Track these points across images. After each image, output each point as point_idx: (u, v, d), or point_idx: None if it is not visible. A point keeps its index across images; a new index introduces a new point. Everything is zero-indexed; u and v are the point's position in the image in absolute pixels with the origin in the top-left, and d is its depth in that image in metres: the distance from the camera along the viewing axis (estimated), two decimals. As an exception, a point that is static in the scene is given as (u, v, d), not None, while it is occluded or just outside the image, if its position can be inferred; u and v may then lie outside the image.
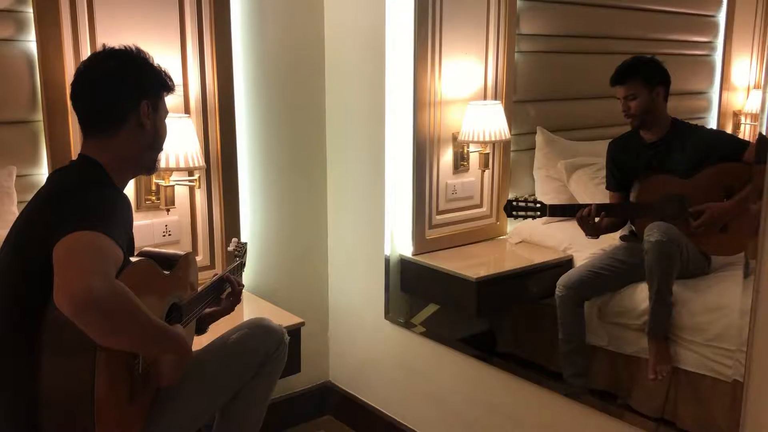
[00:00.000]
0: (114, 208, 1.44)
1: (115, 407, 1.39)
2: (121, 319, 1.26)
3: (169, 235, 2.31)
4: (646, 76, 1.97)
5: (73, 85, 1.56)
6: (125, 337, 1.31)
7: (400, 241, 2.53)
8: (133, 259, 1.48)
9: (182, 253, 1.69)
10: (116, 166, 1.55)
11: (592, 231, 2.07)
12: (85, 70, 1.56)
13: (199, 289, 1.79)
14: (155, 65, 1.60)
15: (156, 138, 1.60)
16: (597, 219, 2.04)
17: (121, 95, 1.54)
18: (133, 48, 1.59)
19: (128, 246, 1.49)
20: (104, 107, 1.54)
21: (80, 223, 1.30)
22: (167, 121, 1.66)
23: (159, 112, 1.60)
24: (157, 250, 1.70)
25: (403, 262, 2.53)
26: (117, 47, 1.59)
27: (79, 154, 1.57)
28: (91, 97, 1.55)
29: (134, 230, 2.19)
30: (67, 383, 1.33)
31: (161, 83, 1.60)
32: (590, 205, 2.05)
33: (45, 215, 1.41)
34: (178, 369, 1.47)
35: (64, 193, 1.44)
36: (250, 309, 2.37)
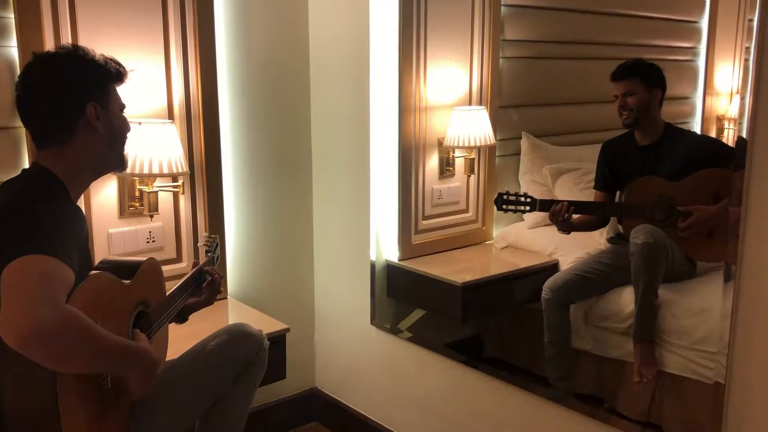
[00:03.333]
0: (62, 223, 1.37)
1: (85, 426, 1.35)
2: (72, 345, 1.21)
3: (153, 241, 2.29)
4: (647, 76, 2.00)
5: (16, 100, 1.50)
6: (80, 363, 1.26)
7: (386, 247, 2.52)
8: (91, 272, 1.43)
9: (143, 259, 1.63)
10: (72, 173, 1.50)
11: (562, 226, 2.11)
12: (21, 83, 1.50)
13: (174, 287, 1.75)
14: (96, 59, 1.52)
15: (113, 136, 1.54)
16: (566, 215, 2.08)
17: (62, 105, 1.47)
18: (67, 48, 1.53)
19: (84, 261, 1.43)
20: (48, 120, 1.48)
21: (24, 245, 1.24)
22: (125, 113, 1.60)
23: (110, 107, 1.53)
24: (118, 258, 1.64)
25: (390, 267, 2.53)
26: (50, 51, 1.54)
27: (33, 163, 1.52)
28: (33, 111, 1.50)
29: (118, 237, 2.21)
30: (31, 405, 1.28)
31: (105, 77, 1.53)
32: (565, 201, 2.09)
33: None
34: (145, 382, 1.42)
35: (11, 210, 1.38)
36: (235, 315, 2.35)
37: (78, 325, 1.22)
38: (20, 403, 1.28)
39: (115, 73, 1.55)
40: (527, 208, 2.17)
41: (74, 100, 1.48)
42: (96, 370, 1.36)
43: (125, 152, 1.62)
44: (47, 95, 1.48)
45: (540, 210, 2.16)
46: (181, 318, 1.83)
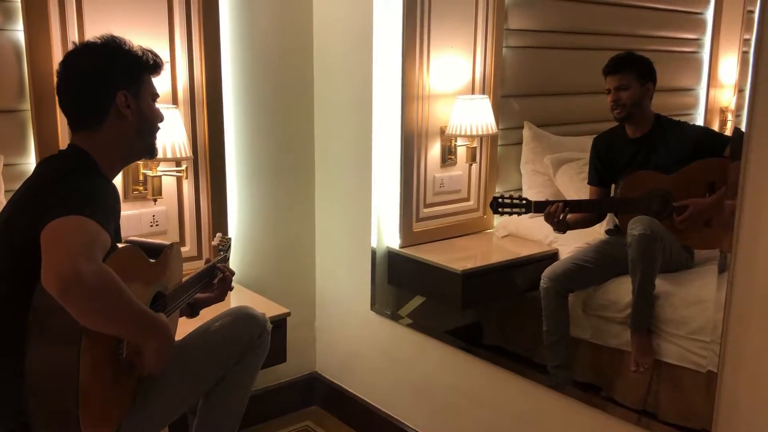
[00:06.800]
0: (101, 195, 1.45)
1: (98, 393, 1.40)
2: (105, 300, 1.28)
3: (157, 225, 2.31)
4: (640, 70, 2.00)
5: (56, 86, 1.59)
6: (109, 319, 1.32)
7: (387, 234, 2.54)
8: (119, 245, 1.49)
9: (168, 243, 1.69)
10: (105, 156, 1.57)
11: (558, 227, 2.12)
12: (60, 70, 1.58)
13: (188, 277, 1.80)
14: (132, 50, 1.60)
15: (142, 124, 1.61)
16: (561, 216, 2.09)
17: (95, 92, 1.56)
18: (106, 38, 1.59)
19: (115, 235, 1.50)
20: (81, 105, 1.57)
21: (68, 208, 1.32)
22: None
23: (141, 97, 1.61)
24: (142, 239, 1.71)
25: (391, 254, 2.54)
26: (89, 41, 1.61)
27: (69, 144, 1.60)
28: (68, 96, 1.58)
29: (122, 220, 2.21)
30: (51, 369, 1.34)
31: (140, 67, 1.61)
32: (558, 201, 2.11)
33: (33, 202, 1.43)
34: (160, 358, 1.47)
35: (52, 181, 1.46)
36: (237, 299, 2.37)
37: (114, 283, 1.29)
38: (43, 364, 1.34)
39: (150, 64, 1.62)
40: (522, 210, 2.18)
41: (106, 87, 1.56)
42: (121, 331, 1.41)
43: (155, 141, 1.68)
44: (81, 82, 1.56)
45: (535, 212, 2.17)
46: (193, 312, 1.88)
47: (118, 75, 1.57)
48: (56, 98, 1.63)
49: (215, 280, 1.91)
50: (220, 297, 1.91)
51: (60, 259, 1.23)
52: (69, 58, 1.60)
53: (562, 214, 2.09)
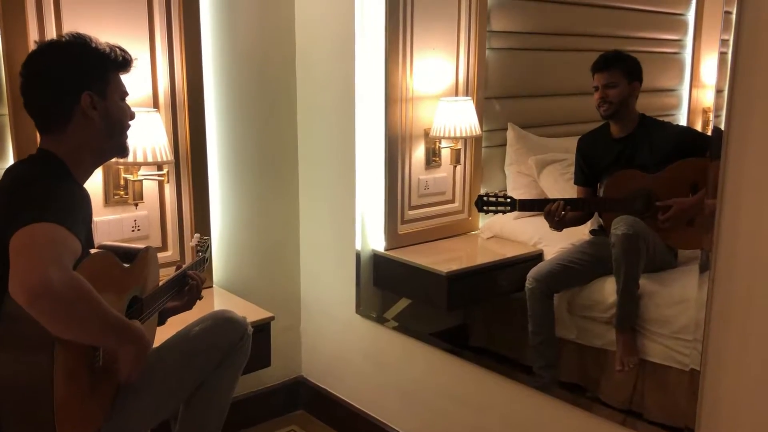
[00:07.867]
0: (72, 201, 1.42)
1: (74, 401, 1.38)
2: (76, 309, 1.25)
3: (138, 230, 2.29)
4: (628, 69, 2.01)
5: (20, 87, 1.54)
6: (81, 328, 1.30)
7: (372, 237, 2.53)
8: (92, 251, 1.47)
9: (142, 247, 1.66)
10: (74, 159, 1.53)
11: (557, 225, 2.12)
12: (23, 71, 1.53)
13: (162, 282, 1.77)
14: (98, 47, 1.54)
15: (110, 125, 1.56)
16: (563, 214, 2.09)
17: (57, 94, 1.51)
18: (70, 36, 1.55)
19: (87, 240, 1.47)
20: (45, 107, 1.53)
21: (37, 214, 1.29)
22: (129, 100, 1.64)
23: (108, 97, 1.55)
24: (117, 244, 1.68)
25: (376, 257, 2.54)
26: (53, 39, 1.56)
27: (38, 148, 1.56)
28: (32, 98, 1.53)
29: (103, 225, 2.22)
30: (25, 377, 1.31)
31: (106, 65, 1.55)
32: (559, 200, 2.09)
33: (1, 210, 1.40)
34: (137, 364, 1.45)
35: (21, 186, 1.43)
36: (220, 304, 2.36)
37: (84, 290, 1.26)
38: (15, 373, 1.32)
39: (119, 62, 1.57)
40: (508, 208, 2.18)
41: (68, 89, 1.51)
42: (93, 339, 1.39)
43: (126, 140, 1.64)
44: (43, 84, 1.52)
45: (520, 210, 2.18)
46: (160, 321, 1.84)
47: (82, 75, 1.52)
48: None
49: (186, 288, 1.87)
50: (188, 306, 1.87)
51: (27, 267, 1.21)
52: (31, 58, 1.55)
53: (563, 213, 2.09)
